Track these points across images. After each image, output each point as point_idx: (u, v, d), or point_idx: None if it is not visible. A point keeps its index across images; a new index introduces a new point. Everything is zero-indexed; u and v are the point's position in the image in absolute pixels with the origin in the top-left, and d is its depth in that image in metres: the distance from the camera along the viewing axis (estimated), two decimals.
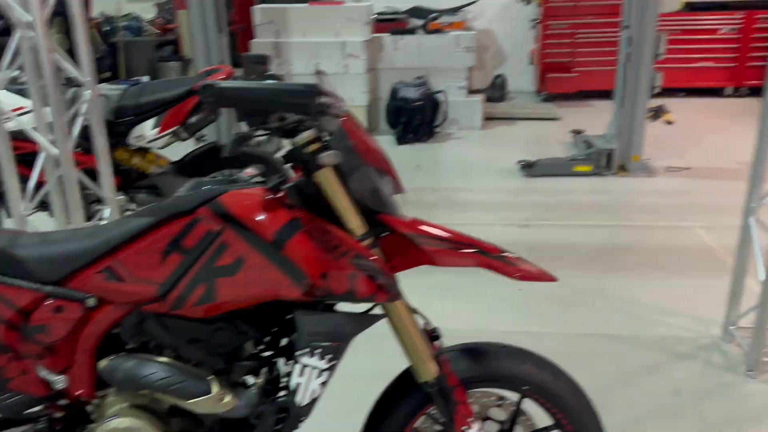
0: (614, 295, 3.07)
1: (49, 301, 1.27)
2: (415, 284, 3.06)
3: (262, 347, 1.38)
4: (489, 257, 1.36)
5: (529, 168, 4.90)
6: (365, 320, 1.30)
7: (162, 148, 3.14)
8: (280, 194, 1.30)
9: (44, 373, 1.29)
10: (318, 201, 1.31)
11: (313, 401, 1.29)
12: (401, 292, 1.31)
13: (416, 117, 6.04)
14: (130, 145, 3.13)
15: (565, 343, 2.66)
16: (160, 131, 3.06)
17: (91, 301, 1.28)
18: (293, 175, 1.36)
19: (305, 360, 1.27)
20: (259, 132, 1.24)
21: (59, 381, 1.30)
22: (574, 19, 7.42)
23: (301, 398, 1.28)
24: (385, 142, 6.08)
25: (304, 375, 1.27)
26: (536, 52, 7.81)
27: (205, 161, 3.32)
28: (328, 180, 1.29)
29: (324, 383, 1.28)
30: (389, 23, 6.92)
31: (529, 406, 1.52)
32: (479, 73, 7.98)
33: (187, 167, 3.30)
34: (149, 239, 1.27)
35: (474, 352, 1.48)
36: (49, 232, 1.36)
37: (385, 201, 1.34)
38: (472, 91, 6.88)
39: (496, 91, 7.57)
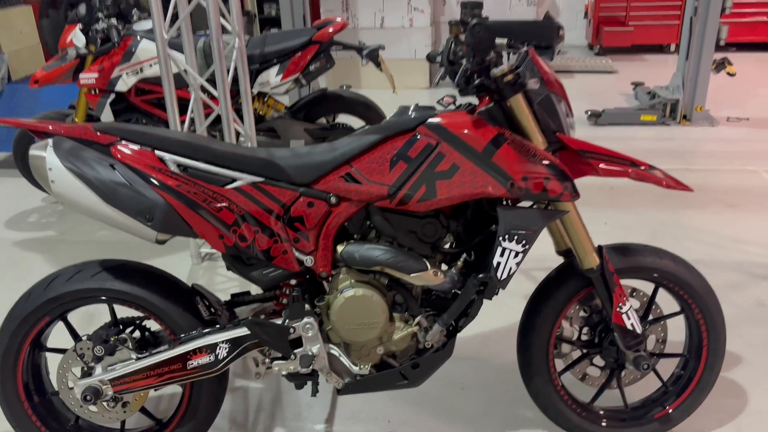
0: (691, 227, 3.38)
1: (303, 199, 1.64)
2: None
3: (459, 239, 1.75)
4: (642, 170, 1.69)
5: (597, 117, 5.15)
6: (552, 215, 1.65)
7: (284, 93, 3.48)
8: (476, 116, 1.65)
9: (298, 254, 1.67)
10: (503, 123, 1.64)
11: (510, 276, 1.65)
12: (579, 195, 1.66)
13: None
14: (253, 91, 3.47)
15: None
16: (283, 78, 3.40)
17: (333, 199, 1.64)
18: (476, 103, 1.69)
19: (505, 244, 1.62)
20: (475, 67, 1.57)
21: (308, 260, 1.67)
22: None
23: (501, 273, 1.64)
24: (444, 93, 6.35)
25: (504, 256, 1.63)
26: (591, 5, 7.93)
27: (315, 106, 3.67)
28: (519, 104, 1.62)
29: (519, 263, 1.64)
30: None
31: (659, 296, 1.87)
32: None
33: (299, 111, 3.66)
34: (379, 151, 1.62)
35: (623, 249, 1.83)
36: (295, 149, 1.71)
37: (563, 122, 1.67)
38: None
39: None
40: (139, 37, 3.35)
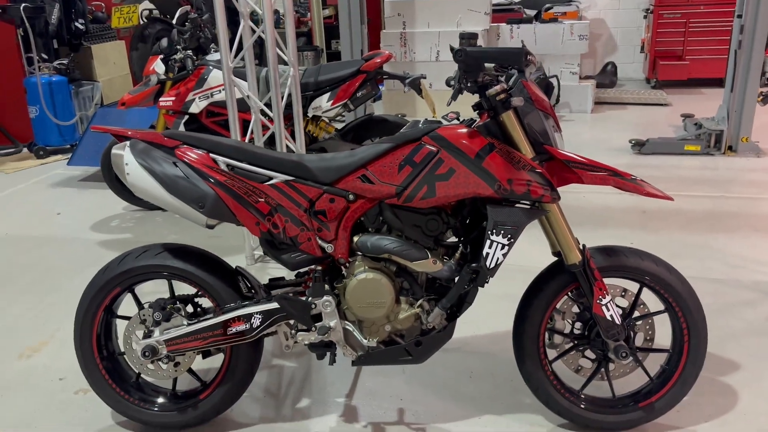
0: (717, 248, 3.50)
1: (326, 195, 1.97)
2: (536, 238, 3.63)
3: (457, 234, 2.03)
4: (623, 179, 1.93)
5: (640, 146, 5.30)
6: (534, 213, 1.91)
7: (333, 118, 3.87)
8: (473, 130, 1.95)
9: (320, 241, 2.00)
10: (498, 136, 1.93)
11: (497, 266, 1.92)
12: (559, 197, 1.91)
13: None
14: (307, 114, 3.89)
15: None
16: (333, 103, 3.79)
17: (351, 197, 1.97)
18: (478, 120, 1.99)
19: (494, 237, 1.90)
20: (469, 85, 1.87)
21: (329, 247, 2.00)
22: (687, 8, 7.62)
23: (489, 263, 1.91)
24: None
25: (492, 248, 1.90)
26: (648, 40, 8.05)
27: (362, 129, 4.05)
28: (510, 119, 1.91)
29: (505, 254, 1.91)
30: (506, 13, 7.45)
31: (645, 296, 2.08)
32: (590, 60, 8.33)
33: (348, 134, 4.04)
34: (390, 157, 1.94)
35: (607, 250, 2.06)
36: (322, 154, 2.06)
37: (549, 135, 1.94)
38: (583, 77, 7.28)
39: (606, 77, 7.91)
40: (211, 66, 3.84)
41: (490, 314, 2.88)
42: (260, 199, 1.97)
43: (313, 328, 2.04)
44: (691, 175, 4.79)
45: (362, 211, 1.99)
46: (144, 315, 2.10)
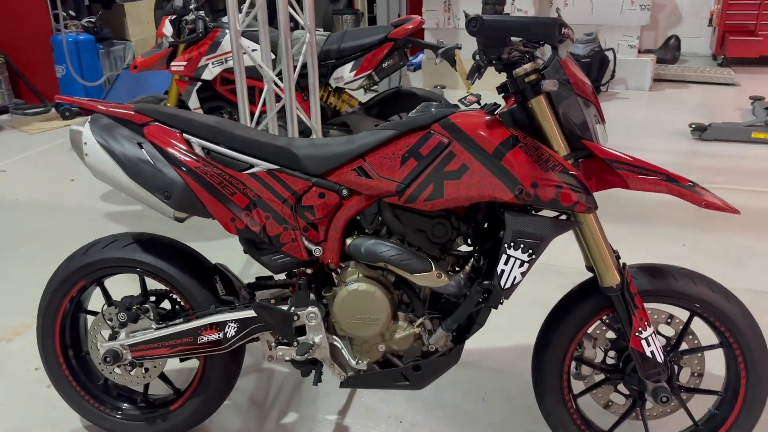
0: None
1: (315, 189, 1.66)
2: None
3: (468, 243, 1.69)
4: (678, 185, 1.55)
5: (701, 131, 4.78)
6: (563, 225, 1.56)
7: (356, 89, 3.53)
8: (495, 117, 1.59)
9: (307, 243, 1.69)
10: (526, 126, 1.57)
11: (514, 286, 1.58)
12: (597, 206, 1.55)
13: None
14: (329, 85, 3.55)
15: None
16: (357, 74, 3.45)
17: (345, 192, 1.65)
18: (504, 104, 1.63)
19: (511, 252, 1.55)
20: (494, 62, 1.52)
21: (317, 250, 1.69)
22: None
23: (505, 282, 1.57)
24: None
25: (508, 264, 1.56)
26: (717, 12, 7.35)
27: (388, 103, 3.69)
28: (540, 106, 1.55)
29: (524, 273, 1.57)
30: None
31: (697, 326, 1.71)
32: (651, 32, 7.69)
33: (373, 108, 3.70)
34: (393, 147, 1.61)
35: (653, 270, 1.69)
36: (314, 138, 1.74)
37: (589, 128, 1.57)
38: (642, 51, 6.69)
39: (668, 52, 7.28)
40: (226, 29, 3.53)
41: (515, 323, 2.54)
42: (237, 191, 1.67)
43: (295, 343, 1.76)
44: (758, 167, 4.27)
45: (357, 210, 1.67)
46: (108, 314, 1.86)
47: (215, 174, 1.67)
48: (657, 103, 6.05)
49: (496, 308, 1.63)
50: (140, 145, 1.69)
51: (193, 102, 3.62)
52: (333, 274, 1.75)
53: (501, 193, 1.53)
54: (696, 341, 1.76)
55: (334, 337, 1.77)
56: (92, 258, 1.82)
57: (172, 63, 3.57)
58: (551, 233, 1.55)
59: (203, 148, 1.70)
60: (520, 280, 1.58)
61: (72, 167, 4.59)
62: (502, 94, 1.64)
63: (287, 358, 1.78)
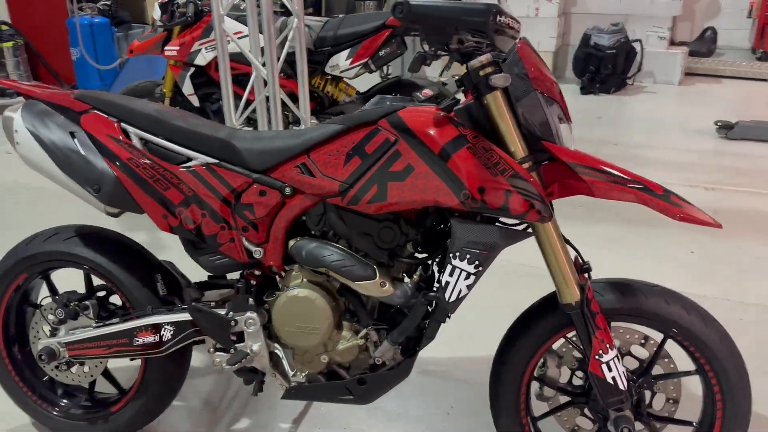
0: None
1: (256, 186, 1.54)
2: (584, 233, 3.09)
3: (419, 249, 1.56)
4: (650, 194, 1.39)
5: (728, 129, 4.51)
6: (514, 235, 1.41)
7: (353, 78, 3.39)
8: (451, 114, 1.45)
9: (247, 243, 1.58)
10: (483, 124, 1.42)
11: (459, 299, 1.44)
12: (552, 215, 1.40)
13: (606, 66, 5.77)
14: (326, 73, 3.43)
15: (732, 310, 2.54)
16: (352, 62, 3.31)
17: (288, 190, 1.52)
18: (464, 99, 1.48)
19: (456, 262, 1.41)
20: (439, 53, 1.37)
21: (257, 252, 1.58)
22: None
23: (449, 295, 1.43)
24: (568, 91, 5.91)
25: (453, 275, 1.42)
26: (758, 4, 6.95)
27: (388, 93, 3.55)
28: (496, 103, 1.40)
29: (470, 285, 1.42)
30: None
31: (674, 349, 1.55)
32: (687, 23, 7.33)
33: (372, 97, 3.56)
34: (338, 143, 1.48)
35: (622, 286, 1.53)
36: (259, 131, 1.62)
37: (551, 128, 1.41)
38: (674, 43, 6.37)
39: (703, 45, 6.92)
40: None
41: (486, 328, 2.37)
42: (171, 186, 1.57)
43: (232, 350, 1.65)
44: None
45: (301, 210, 1.54)
46: (47, 310, 1.78)
47: (148, 167, 1.56)
48: (685, 98, 5.75)
49: (443, 322, 1.50)
50: (72, 135, 1.59)
51: (187, 87, 3.54)
52: (276, 277, 1.64)
53: (446, 197, 1.39)
54: (672, 365, 1.59)
55: (276, 345, 1.66)
56: (32, 251, 1.74)
57: (166, 47, 3.49)
58: (500, 243, 1.40)
59: (141, 139, 1.60)
60: (466, 294, 1.43)
61: None
62: (461, 89, 1.49)
63: (225, 366, 1.67)
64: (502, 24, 1.25)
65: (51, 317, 1.77)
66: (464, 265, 1.41)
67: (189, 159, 1.57)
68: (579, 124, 4.89)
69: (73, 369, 1.80)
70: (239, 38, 3.40)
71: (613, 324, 1.54)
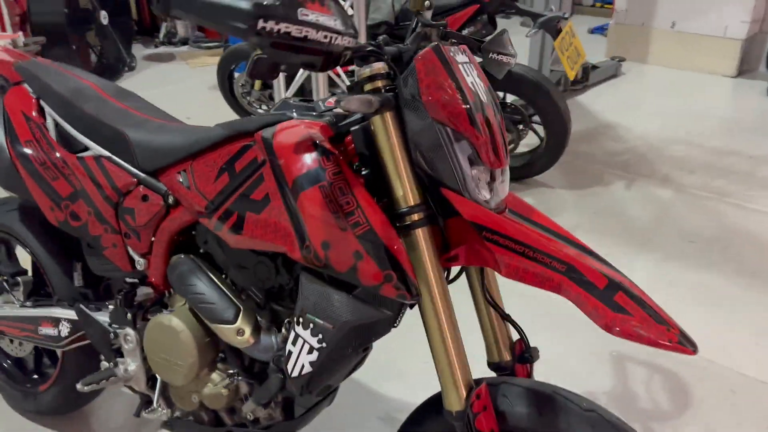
0: None
1: (140, 189, 1.33)
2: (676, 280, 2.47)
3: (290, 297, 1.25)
4: (581, 286, 0.95)
5: None
6: (368, 312, 1.05)
7: None
8: (348, 137, 1.11)
9: (131, 251, 1.39)
10: (367, 156, 1.07)
11: (301, 377, 1.11)
12: (416, 294, 1.01)
13: None
14: None
15: None
16: None
17: (171, 199, 1.30)
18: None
19: (299, 329, 1.09)
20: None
21: (140, 263, 1.38)
22: None
23: (292, 368, 1.12)
24: (754, 91, 4.85)
25: (296, 345, 1.10)
26: None
27: None
28: (380, 130, 1.04)
29: (315, 364, 1.09)
30: None
31: None
32: None
33: None
34: (217, 153, 1.21)
35: (541, 397, 1.09)
36: (169, 124, 1.38)
37: (455, 171, 1.01)
38: None
39: None
40: None
41: None
42: (61, 176, 1.42)
43: (111, 365, 1.49)
44: None
45: (182, 224, 1.32)
46: None
47: (42, 153, 1.43)
48: None
49: (300, 395, 1.19)
50: None
51: None
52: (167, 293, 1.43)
53: (291, 246, 1.07)
54: None
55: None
56: None
57: None
58: (349, 318, 1.05)
59: (54, 121, 1.47)
60: (311, 372, 1.10)
61: (191, 105, 4.68)
62: None
63: (78, 386, 1.49)
64: (265, 32, 0.85)
65: None
66: (307, 335, 1.08)
67: (86, 148, 1.41)
68: (755, 134, 3.97)
69: (4, 340, 1.79)
70: None
71: None
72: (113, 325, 1.46)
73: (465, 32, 2.87)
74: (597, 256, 1.03)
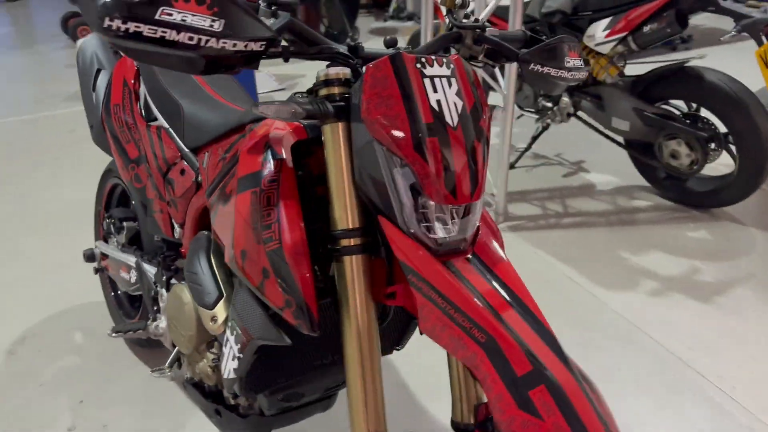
0: None
1: (182, 162, 1.40)
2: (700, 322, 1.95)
3: None
4: (494, 363, 0.78)
5: None
6: (273, 333, 0.96)
7: (609, 54, 2.65)
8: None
9: (172, 219, 1.48)
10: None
11: (232, 381, 1.08)
12: (316, 331, 0.90)
13: None
14: (585, 43, 2.76)
15: None
16: (608, 35, 2.57)
17: (200, 177, 1.35)
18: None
19: (228, 333, 1.05)
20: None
21: (177, 231, 1.47)
22: None
23: (223, 369, 1.09)
24: None
25: (226, 347, 1.07)
26: None
27: (664, 83, 2.65)
28: (328, 141, 0.95)
29: (237, 371, 1.04)
30: None
31: None
32: None
33: (638, 85, 2.73)
34: (228, 139, 1.23)
35: None
36: (220, 101, 1.43)
37: (391, 199, 0.88)
38: None
39: None
40: None
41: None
42: (132, 140, 1.55)
43: (150, 317, 1.61)
44: None
45: (205, 204, 1.36)
46: (109, 219, 2.02)
47: (123, 117, 1.58)
48: None
49: (234, 397, 1.16)
50: (98, 72, 1.71)
51: None
52: None
53: (227, 248, 1.04)
54: None
55: None
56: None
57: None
58: (258, 334, 0.98)
59: (144, 90, 1.61)
60: (236, 378, 1.07)
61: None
62: None
63: (107, 332, 1.63)
64: (118, 30, 0.76)
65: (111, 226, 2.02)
66: (233, 341, 1.05)
67: (156, 118, 1.53)
68: None
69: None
70: None
71: None
72: (156, 284, 1.58)
73: (646, 29, 2.47)
74: (552, 338, 0.82)
